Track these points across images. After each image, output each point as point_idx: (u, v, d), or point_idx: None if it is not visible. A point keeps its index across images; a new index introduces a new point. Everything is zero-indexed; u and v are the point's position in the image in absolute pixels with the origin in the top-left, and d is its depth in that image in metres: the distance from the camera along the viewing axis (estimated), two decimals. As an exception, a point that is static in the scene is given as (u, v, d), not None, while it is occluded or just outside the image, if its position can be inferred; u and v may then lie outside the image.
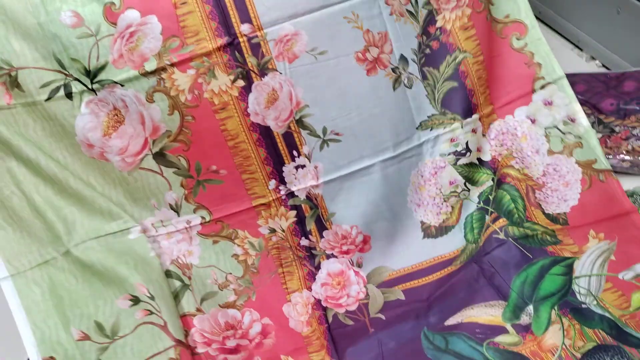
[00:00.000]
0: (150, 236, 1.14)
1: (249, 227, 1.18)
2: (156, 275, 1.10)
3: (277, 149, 1.15)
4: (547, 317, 1.05)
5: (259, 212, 1.18)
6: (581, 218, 1.17)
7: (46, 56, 0.99)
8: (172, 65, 1.04)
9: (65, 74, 1.01)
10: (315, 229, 1.21)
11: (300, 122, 1.14)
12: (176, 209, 1.14)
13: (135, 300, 1.06)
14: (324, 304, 1.19)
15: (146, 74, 1.03)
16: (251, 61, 1.08)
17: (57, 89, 1.01)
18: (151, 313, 1.06)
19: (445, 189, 1.24)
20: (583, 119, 1.16)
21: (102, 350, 1.02)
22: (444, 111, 1.21)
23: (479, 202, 1.25)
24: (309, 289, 1.20)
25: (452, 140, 1.23)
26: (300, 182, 1.18)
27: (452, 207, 1.25)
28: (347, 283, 1.21)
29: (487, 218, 1.23)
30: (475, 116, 1.22)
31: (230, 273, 1.18)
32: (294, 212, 1.19)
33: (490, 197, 1.25)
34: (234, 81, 1.08)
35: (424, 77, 1.19)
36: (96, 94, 1.03)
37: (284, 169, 1.16)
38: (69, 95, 1.02)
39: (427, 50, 1.18)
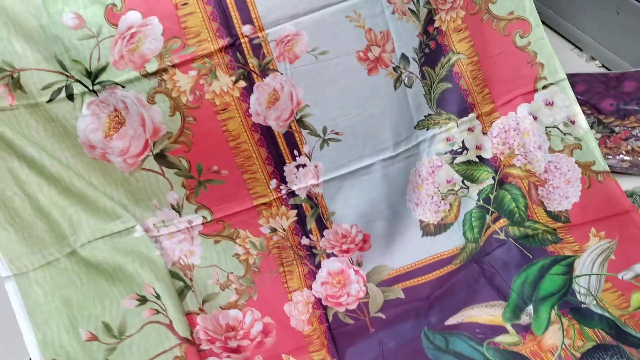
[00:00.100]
0: (152, 236, 1.14)
1: (250, 226, 1.19)
2: (162, 274, 1.10)
3: (278, 148, 1.15)
4: (546, 317, 1.06)
5: (260, 211, 1.18)
6: (582, 216, 1.18)
7: (48, 58, 1.00)
8: (174, 66, 1.05)
9: (66, 76, 1.01)
10: (316, 228, 1.21)
11: (300, 122, 1.14)
12: (178, 209, 1.15)
13: (143, 300, 1.06)
14: (324, 302, 1.19)
15: (147, 75, 1.04)
16: (252, 62, 1.08)
17: (59, 90, 1.02)
18: (157, 312, 1.06)
19: (443, 187, 1.25)
20: (582, 121, 1.17)
21: (110, 350, 1.03)
22: (439, 111, 1.22)
23: (478, 200, 1.26)
24: (310, 287, 1.20)
25: (448, 139, 1.23)
26: (301, 181, 1.18)
27: (451, 205, 1.26)
28: (347, 282, 1.21)
29: (488, 218, 1.24)
30: (471, 115, 1.23)
31: (232, 272, 1.19)
32: (294, 212, 1.20)
33: (491, 196, 1.25)
34: (235, 82, 1.09)
35: (423, 77, 1.20)
36: (97, 95, 1.03)
37: (284, 168, 1.16)
38: (70, 96, 1.02)
39: (427, 50, 1.19)
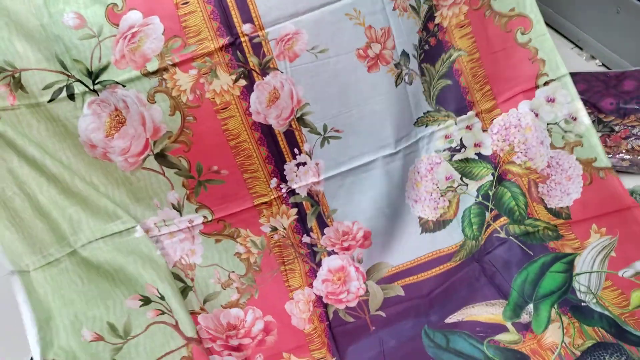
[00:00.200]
0: (153, 236, 1.14)
1: (251, 225, 1.19)
2: (164, 274, 1.11)
3: (278, 147, 1.15)
4: (547, 315, 1.06)
5: (260, 210, 1.18)
6: (584, 212, 1.18)
7: (49, 57, 1.00)
8: (174, 65, 1.05)
9: (67, 75, 1.01)
10: (317, 226, 1.22)
11: (301, 120, 1.14)
12: (178, 209, 1.15)
13: (146, 301, 1.07)
14: (324, 300, 1.20)
15: (148, 74, 1.04)
16: (253, 61, 1.08)
17: (60, 90, 1.02)
18: (162, 313, 1.07)
19: (442, 184, 1.25)
20: (584, 117, 1.16)
21: (116, 350, 1.03)
22: (439, 108, 1.22)
23: (477, 196, 1.25)
24: (311, 286, 1.21)
25: (446, 136, 1.24)
26: (302, 179, 1.18)
27: (450, 202, 1.26)
28: (348, 279, 1.21)
29: (487, 215, 1.24)
30: (470, 113, 1.23)
31: (233, 271, 1.19)
32: (295, 210, 1.20)
33: (490, 193, 1.25)
34: (235, 81, 1.09)
35: (422, 74, 1.20)
36: (98, 95, 1.03)
37: (285, 167, 1.17)
38: (71, 96, 1.02)
39: (426, 47, 1.19)
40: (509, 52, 1.21)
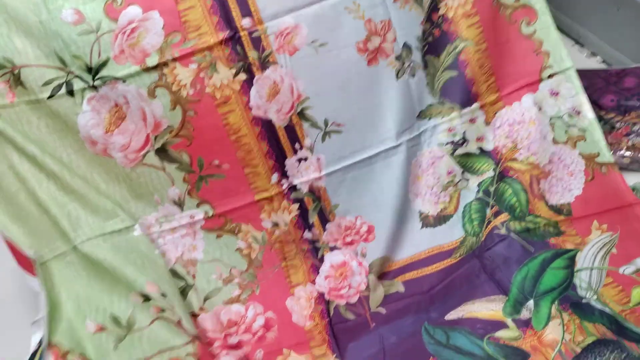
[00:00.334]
0: (154, 232, 1.14)
1: (252, 221, 1.19)
2: (163, 273, 1.11)
3: (279, 142, 1.15)
4: (547, 312, 1.06)
5: (261, 206, 1.18)
6: (585, 208, 1.17)
7: (48, 54, 1.00)
8: (174, 60, 1.04)
9: (66, 71, 1.01)
10: (318, 221, 1.21)
11: (301, 115, 1.14)
12: (179, 204, 1.15)
13: (146, 298, 1.07)
14: (327, 297, 1.20)
15: (148, 70, 1.04)
16: (252, 55, 1.08)
17: (59, 86, 1.02)
18: (163, 310, 1.07)
19: (443, 178, 1.24)
20: (588, 112, 1.15)
21: (119, 340, 1.03)
22: (443, 101, 1.21)
23: (478, 192, 1.25)
24: (313, 282, 1.21)
25: (449, 130, 1.22)
26: (303, 174, 1.18)
27: (450, 197, 1.25)
28: (349, 274, 1.21)
29: (488, 211, 1.23)
30: (474, 105, 1.21)
31: (235, 267, 1.19)
32: (296, 205, 1.20)
33: (491, 189, 1.24)
34: (235, 75, 1.08)
35: (425, 66, 1.19)
36: (97, 91, 1.03)
37: (286, 162, 1.16)
38: (70, 92, 1.02)
39: (430, 38, 1.17)
40: (512, 45, 1.19)
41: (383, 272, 1.23)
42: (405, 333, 1.11)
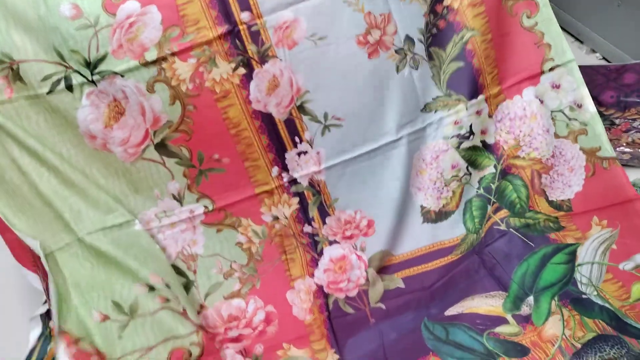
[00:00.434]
0: (154, 227, 1.14)
1: (252, 215, 1.19)
2: (166, 267, 1.12)
3: (279, 135, 1.14)
4: (547, 307, 1.06)
5: (261, 199, 1.18)
6: (585, 204, 1.16)
7: (46, 49, 0.99)
8: (173, 54, 1.04)
9: (65, 66, 1.01)
10: (318, 215, 1.21)
11: (301, 108, 1.13)
12: (179, 199, 1.15)
13: (151, 288, 1.07)
14: (326, 290, 1.20)
15: (146, 64, 1.03)
16: (251, 49, 1.07)
17: (58, 81, 1.01)
18: (168, 300, 1.07)
19: (447, 173, 1.23)
20: (590, 105, 1.14)
21: (122, 327, 1.04)
22: (450, 92, 1.19)
23: (478, 188, 1.24)
24: (312, 275, 1.21)
25: (455, 122, 1.21)
26: (303, 168, 1.18)
27: (453, 192, 1.24)
28: (349, 267, 1.21)
29: (489, 208, 1.23)
30: (480, 97, 1.20)
31: (235, 261, 1.19)
32: (296, 199, 1.20)
33: (492, 186, 1.23)
34: (235, 69, 1.08)
35: (430, 58, 1.17)
36: (96, 86, 1.02)
37: (286, 155, 1.16)
38: (69, 87, 1.02)
39: (434, 30, 1.16)
40: (514, 37, 1.18)
41: (383, 267, 1.23)
42: (405, 329, 1.11)
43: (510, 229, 1.19)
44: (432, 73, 1.18)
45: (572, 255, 1.12)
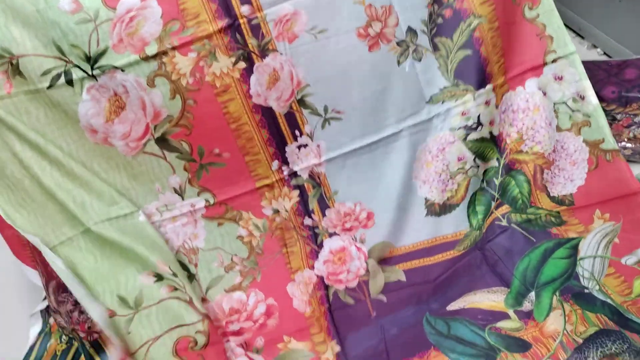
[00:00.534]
0: (156, 221, 1.14)
1: (253, 208, 1.19)
2: (171, 257, 1.12)
3: (279, 129, 1.14)
4: (548, 303, 1.05)
5: (262, 193, 1.18)
6: (587, 198, 1.16)
7: (46, 43, 0.99)
8: (173, 48, 1.04)
9: (65, 61, 1.01)
10: (318, 208, 1.21)
11: (301, 102, 1.13)
12: (180, 193, 1.15)
13: (159, 277, 1.07)
14: (326, 281, 1.20)
15: (147, 59, 1.03)
16: (252, 42, 1.07)
17: (58, 76, 1.01)
18: (176, 289, 1.08)
19: (453, 165, 1.22)
20: (592, 97, 1.13)
21: (129, 322, 1.04)
22: (457, 82, 1.18)
23: (482, 181, 1.23)
24: (312, 267, 1.21)
25: (463, 113, 1.19)
26: (303, 161, 1.18)
27: (459, 185, 1.23)
28: (348, 259, 1.21)
29: (493, 204, 1.22)
30: (488, 87, 1.18)
31: (236, 254, 1.20)
32: (297, 192, 1.20)
33: (496, 181, 1.22)
34: (235, 63, 1.08)
35: (436, 49, 1.16)
36: (96, 80, 1.02)
37: (286, 149, 1.16)
38: (69, 82, 1.01)
39: (439, 20, 1.15)
40: (518, 27, 1.17)
41: (384, 258, 1.22)
42: (407, 324, 1.11)
43: (512, 225, 1.18)
44: (438, 63, 1.17)
45: (574, 250, 1.11)
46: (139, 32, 1.01)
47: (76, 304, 1.04)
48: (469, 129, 1.20)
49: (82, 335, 1.11)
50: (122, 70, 1.03)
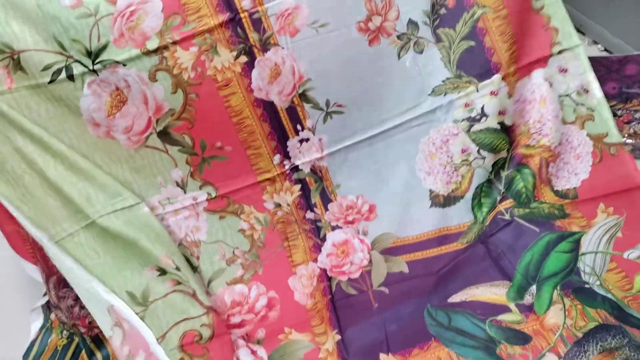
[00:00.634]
0: (158, 214, 1.15)
1: (255, 202, 1.20)
2: (174, 249, 1.12)
3: (281, 123, 1.14)
4: (548, 297, 1.05)
5: (264, 187, 1.19)
6: (591, 191, 1.15)
7: (46, 38, 0.99)
8: (174, 43, 1.04)
9: (66, 56, 1.01)
10: (320, 201, 1.22)
11: (303, 96, 1.13)
12: (182, 186, 1.15)
13: (162, 272, 1.08)
14: (329, 273, 1.20)
15: (148, 53, 1.03)
16: (253, 37, 1.07)
17: (59, 71, 1.01)
18: (179, 283, 1.09)
19: (457, 157, 1.22)
20: (596, 90, 1.12)
21: (141, 319, 1.05)
22: (460, 74, 1.17)
23: (491, 172, 1.22)
24: (315, 260, 1.21)
25: (466, 105, 1.19)
26: (305, 155, 1.18)
27: (463, 177, 1.23)
28: (351, 251, 1.21)
29: (498, 198, 1.21)
30: (495, 77, 1.17)
31: (238, 248, 1.20)
32: (298, 186, 1.20)
33: (502, 174, 1.22)
34: (236, 57, 1.08)
35: (438, 40, 1.15)
36: (97, 75, 1.03)
37: (288, 143, 1.16)
38: (70, 77, 1.02)
39: (442, 10, 1.14)
40: (526, 16, 1.15)
41: (387, 249, 1.23)
42: (408, 315, 1.12)
43: (515, 218, 1.18)
44: (441, 54, 1.16)
45: (576, 244, 1.10)
46: (139, 26, 1.01)
47: (77, 299, 1.05)
48: (473, 121, 1.19)
49: (82, 330, 1.12)
50: (124, 65, 1.03)
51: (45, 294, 1.17)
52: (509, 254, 1.14)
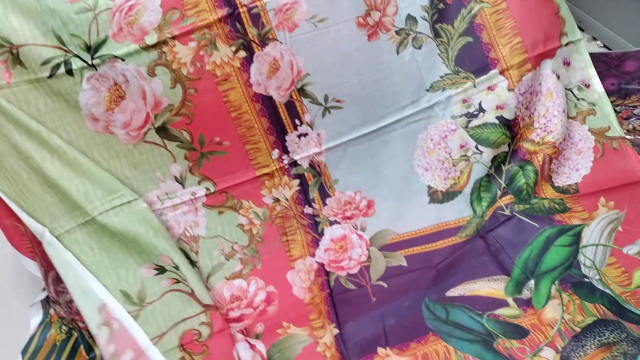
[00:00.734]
0: (157, 209, 1.15)
1: (253, 197, 1.20)
2: (172, 246, 1.11)
3: (279, 118, 1.15)
4: (546, 291, 1.05)
5: (262, 182, 1.19)
6: (592, 186, 1.15)
7: (45, 33, 1.00)
8: (173, 38, 1.04)
9: (65, 50, 1.01)
10: (319, 196, 1.22)
11: (301, 91, 1.13)
12: (181, 181, 1.15)
13: (161, 270, 1.08)
14: (327, 268, 1.20)
15: (147, 48, 1.04)
16: (252, 32, 1.07)
17: (58, 65, 1.02)
18: (178, 282, 1.08)
19: (455, 153, 1.21)
20: (597, 85, 1.12)
21: (135, 319, 1.04)
22: (458, 70, 1.17)
23: (490, 167, 1.22)
24: (313, 255, 1.21)
25: (464, 101, 1.19)
26: (303, 150, 1.18)
27: (461, 172, 1.23)
28: (350, 246, 1.21)
29: (498, 193, 1.21)
30: (492, 72, 1.16)
31: (236, 242, 1.20)
32: (297, 181, 1.20)
33: (503, 168, 1.21)
34: (235, 52, 1.08)
35: (437, 35, 1.16)
36: (96, 70, 1.03)
37: (286, 138, 1.16)
38: (69, 71, 1.02)
39: (441, 5, 1.14)
40: (535, 3, 1.13)
41: (386, 244, 1.22)
42: (406, 309, 1.11)
43: (515, 214, 1.17)
44: (439, 50, 1.16)
45: (577, 237, 1.10)
46: (138, 21, 1.02)
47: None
48: (471, 116, 1.20)
49: (81, 325, 1.12)
50: (122, 60, 1.03)
51: (44, 289, 1.17)
52: (509, 248, 1.14)
